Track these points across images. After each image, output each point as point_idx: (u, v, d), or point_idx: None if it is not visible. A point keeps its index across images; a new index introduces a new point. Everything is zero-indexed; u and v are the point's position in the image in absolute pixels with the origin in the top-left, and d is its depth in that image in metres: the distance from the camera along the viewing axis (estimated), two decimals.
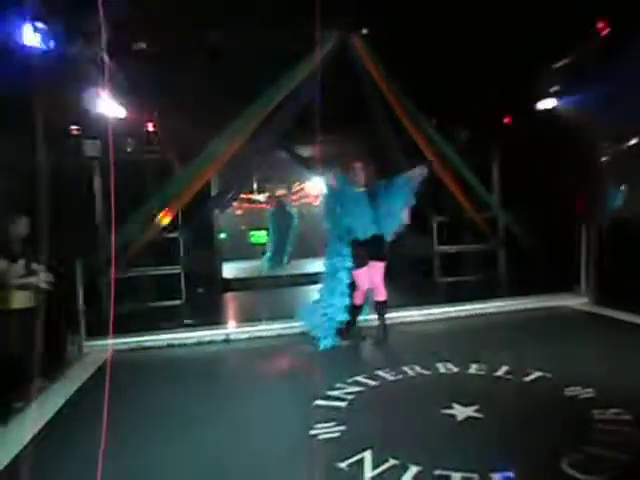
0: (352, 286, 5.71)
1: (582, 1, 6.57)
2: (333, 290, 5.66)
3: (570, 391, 3.89)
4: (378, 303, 5.76)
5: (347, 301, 5.66)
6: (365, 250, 5.59)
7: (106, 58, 6.65)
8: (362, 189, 5.70)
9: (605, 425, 3.33)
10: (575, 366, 4.43)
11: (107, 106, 6.81)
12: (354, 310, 5.76)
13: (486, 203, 8.09)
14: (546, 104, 7.47)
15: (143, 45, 7.30)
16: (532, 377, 4.23)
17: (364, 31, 7.21)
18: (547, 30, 6.72)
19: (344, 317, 5.64)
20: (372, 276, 5.66)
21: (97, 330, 6.08)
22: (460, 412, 3.64)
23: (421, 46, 7.08)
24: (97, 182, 7.74)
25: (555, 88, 7.43)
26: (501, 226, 8.71)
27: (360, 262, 5.60)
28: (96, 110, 6.68)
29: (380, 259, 5.68)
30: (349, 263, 5.63)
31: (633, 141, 7.37)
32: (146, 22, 6.80)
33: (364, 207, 5.58)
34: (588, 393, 3.84)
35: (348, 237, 5.60)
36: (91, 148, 7.27)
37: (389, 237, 5.71)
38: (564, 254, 7.06)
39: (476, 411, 3.63)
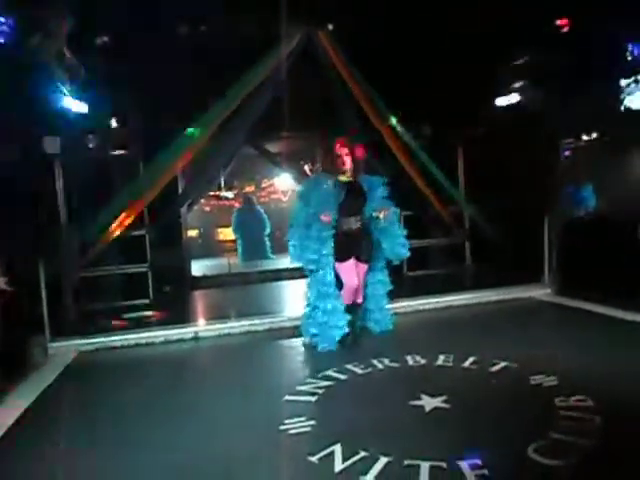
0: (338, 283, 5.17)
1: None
2: (318, 292, 5.08)
3: (534, 380, 3.98)
4: (357, 305, 5.36)
5: (340, 302, 5.09)
6: (350, 243, 5.03)
7: (68, 52, 6.52)
8: (347, 180, 5.05)
9: (568, 412, 3.42)
10: (539, 355, 4.53)
11: (69, 102, 6.66)
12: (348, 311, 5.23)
13: (452, 197, 8.21)
14: (509, 99, 7.62)
15: (106, 39, 7.18)
16: (498, 367, 4.32)
17: (330, 27, 7.23)
18: (510, 26, 6.87)
19: (344, 321, 5.08)
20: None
21: (63, 330, 5.98)
22: (428, 403, 3.68)
23: (386, 42, 7.15)
24: (59, 180, 7.55)
25: (518, 84, 7.58)
26: (467, 220, 8.86)
27: (344, 254, 5.02)
28: (57, 106, 6.53)
29: (365, 261, 5.18)
30: (328, 258, 4.99)
31: (592, 136, 7.62)
32: (110, 16, 6.69)
33: (344, 199, 4.95)
34: (552, 381, 3.93)
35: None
36: (51, 145, 7.09)
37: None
38: (528, 247, 7.23)
39: (444, 402, 3.69)
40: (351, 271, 5.07)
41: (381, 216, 5.03)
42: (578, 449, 2.95)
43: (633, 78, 7.51)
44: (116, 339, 5.93)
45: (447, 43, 7.20)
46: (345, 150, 4.98)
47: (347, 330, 5.14)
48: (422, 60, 7.31)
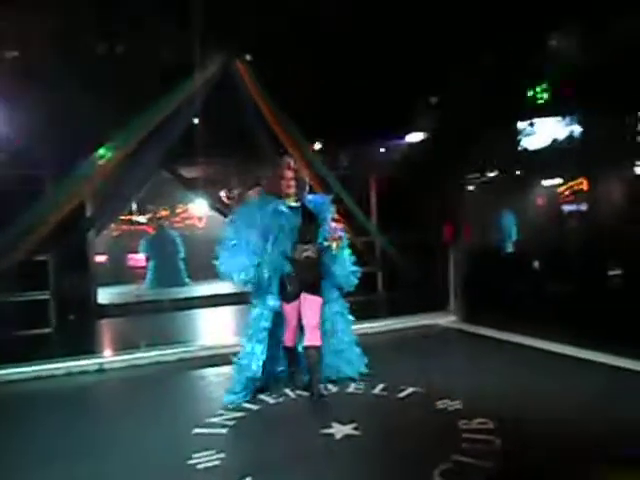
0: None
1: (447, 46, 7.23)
2: (249, 334, 4.48)
3: (440, 404, 4.14)
4: (308, 348, 4.44)
5: (263, 348, 4.40)
6: (295, 278, 4.41)
7: None
8: (294, 204, 4.49)
9: (471, 434, 3.57)
10: (445, 380, 4.71)
11: None
12: (286, 355, 4.77)
13: (365, 228, 8.45)
14: (416, 137, 8.03)
15: (15, 53, 6.89)
16: (406, 392, 4.45)
17: (248, 57, 7.34)
18: (419, 69, 7.31)
19: (258, 367, 4.38)
20: (304, 312, 4.46)
21: None
22: (339, 431, 3.72)
23: (305, 75, 7.35)
24: None
25: (425, 122, 8.03)
26: (379, 250, 9.14)
27: (292, 294, 4.44)
28: None
29: (315, 292, 4.48)
30: (272, 300, 4.42)
31: (492, 174, 8.19)
32: (20, 30, 6.43)
33: (297, 228, 4.40)
34: (456, 405, 4.11)
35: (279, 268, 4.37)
36: None
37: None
38: (436, 276, 7.57)
39: (354, 429, 3.74)
40: (296, 312, 4.49)
41: (334, 245, 4.42)
42: (480, 471, 3.09)
43: (529, 121, 8.20)
44: (12, 372, 5.52)
45: (364, 79, 7.51)
46: (291, 173, 4.47)
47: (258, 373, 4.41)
48: (338, 93, 7.56)
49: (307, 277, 4.44)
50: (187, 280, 12.17)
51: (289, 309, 4.49)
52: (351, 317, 4.96)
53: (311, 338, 4.42)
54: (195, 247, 12.75)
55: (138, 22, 6.60)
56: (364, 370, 4.89)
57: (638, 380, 4.61)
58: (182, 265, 12.32)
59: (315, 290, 4.50)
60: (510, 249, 8.96)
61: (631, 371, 4.77)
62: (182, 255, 12.37)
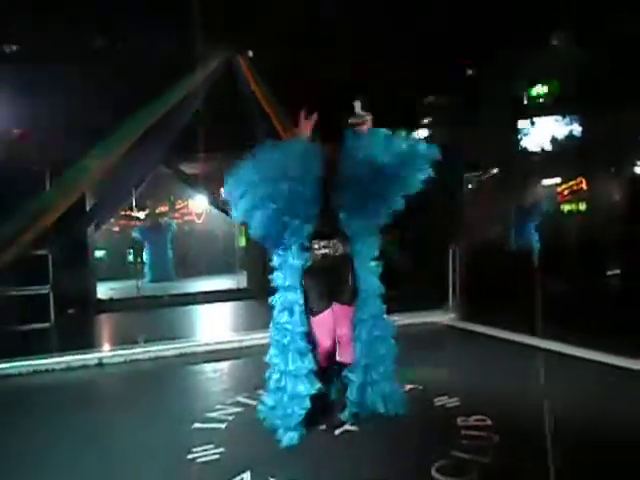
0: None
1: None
2: (287, 356, 3.46)
3: (438, 401, 4.16)
4: (342, 365, 3.67)
5: (312, 366, 3.50)
6: (323, 283, 3.52)
7: None
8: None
9: (469, 431, 3.59)
10: (443, 377, 4.74)
11: None
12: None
13: None
14: (419, 134, 8.04)
15: (14, 47, 6.88)
16: (405, 389, 4.46)
17: (250, 53, 7.35)
18: (420, 67, 7.32)
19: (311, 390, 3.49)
20: (335, 325, 3.55)
21: None
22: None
23: (304, 72, 7.36)
24: None
25: (427, 120, 8.05)
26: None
27: (317, 303, 3.52)
28: None
29: (345, 301, 3.56)
30: (299, 305, 3.47)
31: (493, 171, 8.20)
32: (20, 24, 6.43)
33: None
34: (454, 402, 4.13)
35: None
36: None
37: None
38: (436, 274, 7.57)
39: (353, 424, 3.75)
40: (326, 326, 3.54)
41: None
42: (478, 467, 3.11)
43: (529, 120, 8.21)
44: (11, 366, 5.53)
45: (364, 76, 7.52)
46: (309, 124, 3.46)
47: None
48: (338, 90, 7.56)
49: (332, 283, 3.52)
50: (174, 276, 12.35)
51: (319, 324, 3.54)
52: (394, 343, 3.85)
53: (344, 354, 3.60)
54: (195, 243, 12.88)
55: (140, 17, 6.59)
56: (401, 411, 3.81)
57: (636, 378, 4.63)
58: (171, 262, 12.55)
59: (345, 298, 3.56)
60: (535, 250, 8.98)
61: (629, 370, 4.79)
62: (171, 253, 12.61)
